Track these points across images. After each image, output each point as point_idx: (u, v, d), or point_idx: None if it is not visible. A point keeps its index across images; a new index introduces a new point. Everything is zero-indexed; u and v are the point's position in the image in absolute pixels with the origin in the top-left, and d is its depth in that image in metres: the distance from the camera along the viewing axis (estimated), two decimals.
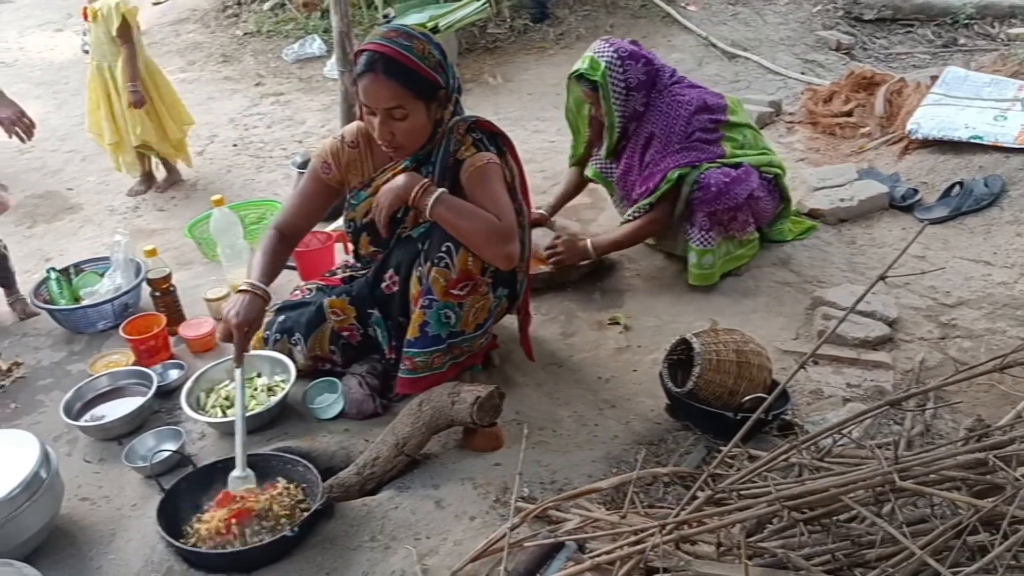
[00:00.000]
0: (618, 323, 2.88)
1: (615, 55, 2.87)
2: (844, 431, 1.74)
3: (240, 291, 2.22)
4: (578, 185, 3.38)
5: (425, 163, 2.27)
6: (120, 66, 3.92)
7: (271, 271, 2.34)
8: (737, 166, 2.93)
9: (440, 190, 2.17)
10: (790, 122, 4.39)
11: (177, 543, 1.88)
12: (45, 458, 2.02)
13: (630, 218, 3.03)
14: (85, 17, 3.99)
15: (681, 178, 2.88)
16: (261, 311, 2.23)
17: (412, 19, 5.08)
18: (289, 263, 3.16)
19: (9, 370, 2.78)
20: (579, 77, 2.95)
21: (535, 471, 2.18)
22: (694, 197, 2.87)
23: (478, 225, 2.15)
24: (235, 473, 2.05)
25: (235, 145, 4.70)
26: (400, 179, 2.22)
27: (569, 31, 5.85)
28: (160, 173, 4.26)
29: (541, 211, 3.29)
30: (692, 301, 2.98)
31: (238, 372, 2.17)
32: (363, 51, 2.15)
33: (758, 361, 2.28)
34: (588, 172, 3.22)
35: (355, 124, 2.38)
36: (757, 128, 3.21)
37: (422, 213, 2.20)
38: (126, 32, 3.86)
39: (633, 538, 1.66)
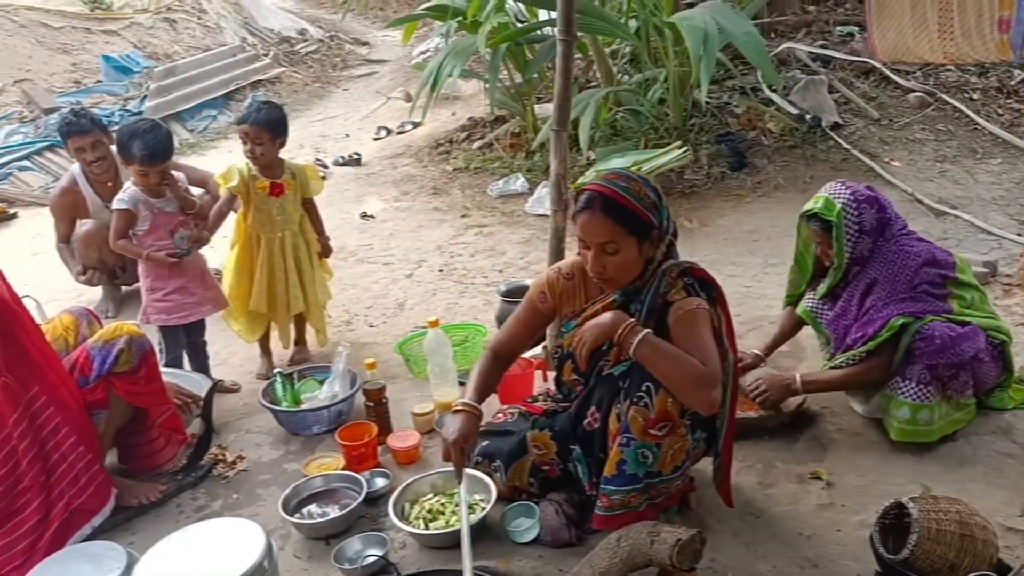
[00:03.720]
0: (820, 478, 2.78)
1: (851, 197, 2.90)
2: None
3: (456, 411, 2.37)
4: (794, 326, 3.34)
5: (634, 300, 2.36)
6: (302, 227, 3.75)
7: (484, 390, 2.51)
8: (964, 324, 2.83)
9: (646, 331, 2.24)
10: (1007, 284, 4.18)
11: None
12: (268, 550, 2.16)
13: (842, 364, 2.96)
14: (279, 192, 3.62)
15: (904, 327, 2.81)
16: (476, 428, 2.38)
17: (614, 164, 5.31)
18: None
19: (234, 463, 3.02)
20: (811, 217, 2.98)
21: None
22: (915, 347, 2.79)
23: (682, 369, 2.18)
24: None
25: (440, 270, 5.00)
26: (607, 316, 2.30)
27: (767, 180, 5.90)
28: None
29: (756, 352, 3.26)
30: (901, 463, 2.83)
31: (461, 488, 2.31)
32: (584, 190, 2.31)
33: (983, 536, 2.13)
34: (799, 310, 3.20)
35: (572, 258, 2.51)
36: (983, 291, 3.10)
37: (625, 351, 2.26)
38: None
39: None
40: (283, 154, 3.71)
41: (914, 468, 2.80)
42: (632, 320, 2.25)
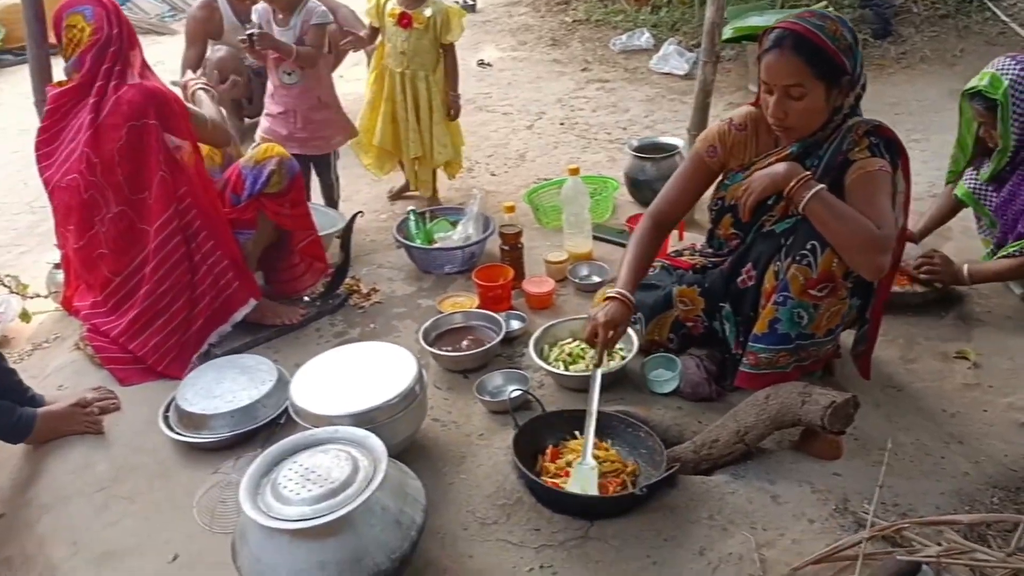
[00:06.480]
0: (966, 358, 2.69)
1: (1021, 73, 2.67)
2: None
3: (608, 298, 2.26)
4: (953, 207, 3.17)
5: (812, 154, 2.22)
6: (437, 76, 3.62)
7: (640, 274, 2.37)
8: None
9: (820, 186, 2.11)
10: None
11: (538, 479, 2.00)
12: (420, 376, 2.21)
13: (1014, 253, 2.80)
14: (407, 23, 3.52)
15: None
16: (627, 318, 2.26)
17: (751, 22, 5.01)
18: (623, 241, 3.25)
19: (369, 294, 3.08)
20: (974, 95, 2.77)
21: (876, 490, 2.09)
22: None
23: (854, 229, 2.06)
24: (582, 463, 2.07)
25: (562, 124, 4.89)
26: (781, 166, 2.18)
27: (912, 51, 5.52)
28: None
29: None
30: None
31: (597, 372, 2.19)
32: (774, 28, 2.14)
33: None
34: (958, 191, 3.02)
35: (745, 109, 2.38)
36: None
37: (795, 205, 2.15)
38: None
39: None
40: None
41: None
42: (807, 173, 2.13)
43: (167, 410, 2.46)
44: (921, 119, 4.60)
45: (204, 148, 2.94)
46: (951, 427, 2.40)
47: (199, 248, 2.65)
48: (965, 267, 2.84)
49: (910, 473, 2.20)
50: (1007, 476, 2.20)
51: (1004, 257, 2.84)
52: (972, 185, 2.98)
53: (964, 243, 3.30)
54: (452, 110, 3.70)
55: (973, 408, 2.48)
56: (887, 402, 2.50)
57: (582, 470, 2.05)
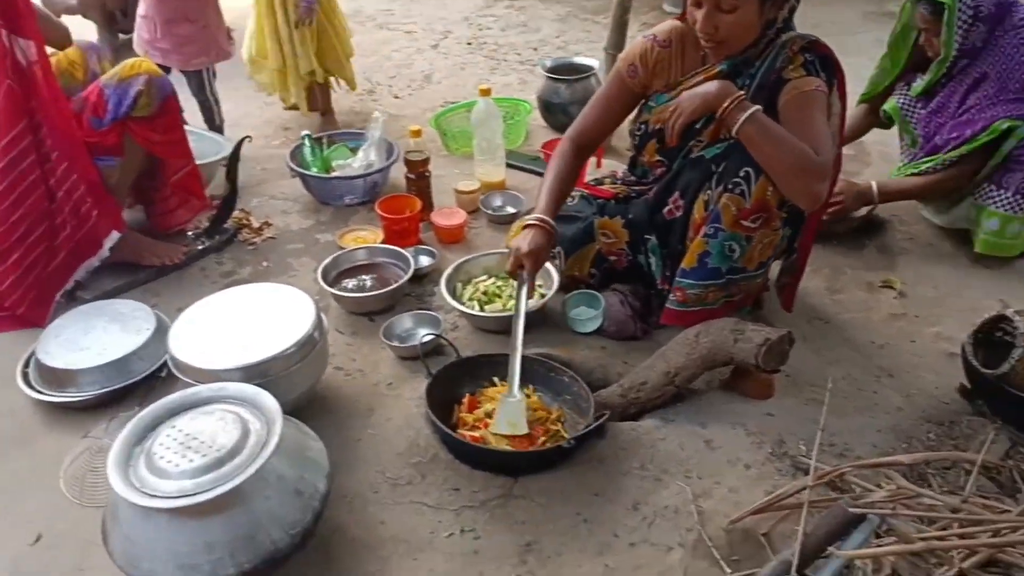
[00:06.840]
0: (892, 287, 2.61)
1: None
2: None
3: (528, 226, 2.06)
4: (865, 127, 3.06)
5: (743, 72, 2.04)
6: None
7: (560, 200, 2.18)
8: None
9: (756, 107, 1.93)
10: None
11: (456, 435, 1.80)
12: (319, 320, 1.97)
13: (928, 170, 2.71)
14: None
15: (1009, 131, 2.54)
16: (548, 245, 2.07)
17: None
18: (538, 169, 3.04)
19: (260, 229, 2.79)
20: None
21: (811, 429, 1.97)
22: (1019, 154, 2.54)
23: (791, 155, 1.90)
24: (509, 397, 1.90)
25: (469, 43, 4.60)
26: (712, 85, 1.99)
27: None
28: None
29: None
30: (978, 277, 2.66)
31: (522, 303, 2.00)
32: None
33: None
34: (887, 106, 2.90)
35: (669, 23, 2.17)
36: None
37: (727, 129, 1.98)
38: None
39: (977, 529, 1.46)
40: None
41: (992, 284, 2.64)
42: (741, 93, 1.94)
43: (26, 365, 2.15)
44: (838, 41, 4.38)
45: (63, 62, 2.56)
46: (880, 359, 2.32)
47: (53, 171, 2.29)
48: (874, 184, 2.74)
49: (844, 410, 2.10)
50: (940, 409, 2.13)
51: (915, 174, 2.75)
52: (902, 101, 2.88)
53: (883, 168, 3.23)
54: (297, 16, 3.24)
55: (901, 339, 2.41)
56: (815, 335, 2.40)
57: (509, 404, 1.88)
